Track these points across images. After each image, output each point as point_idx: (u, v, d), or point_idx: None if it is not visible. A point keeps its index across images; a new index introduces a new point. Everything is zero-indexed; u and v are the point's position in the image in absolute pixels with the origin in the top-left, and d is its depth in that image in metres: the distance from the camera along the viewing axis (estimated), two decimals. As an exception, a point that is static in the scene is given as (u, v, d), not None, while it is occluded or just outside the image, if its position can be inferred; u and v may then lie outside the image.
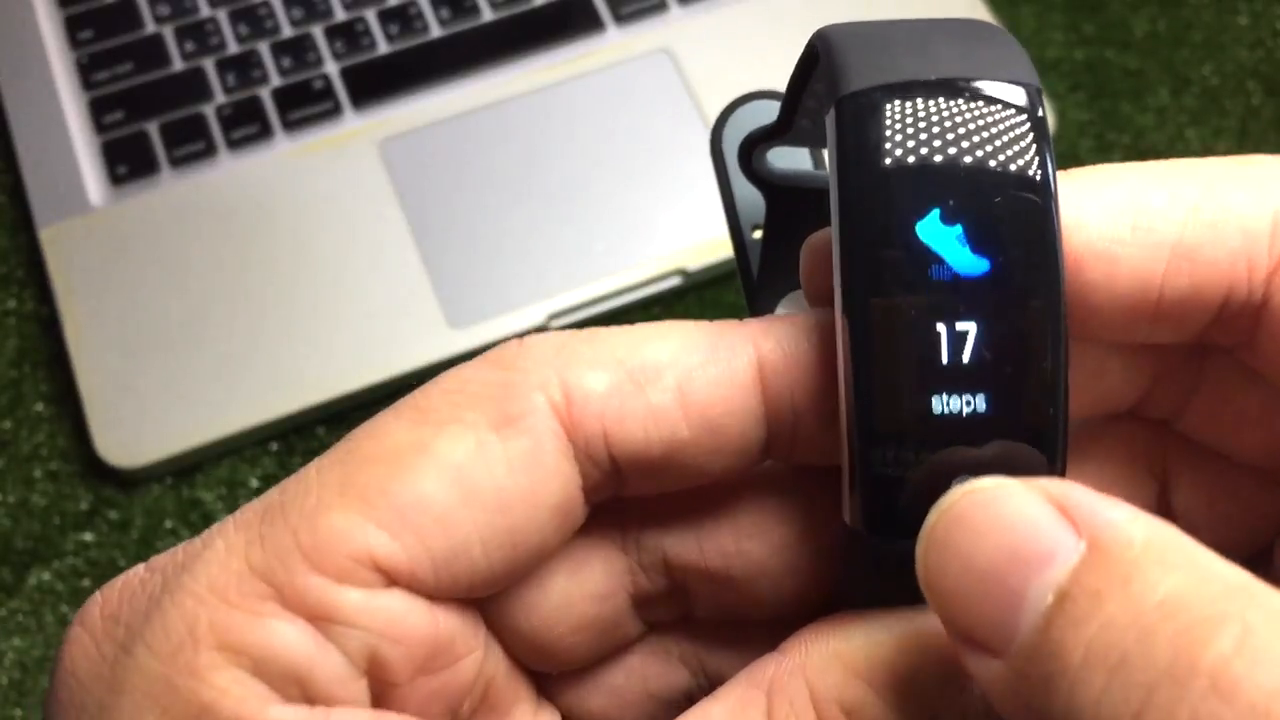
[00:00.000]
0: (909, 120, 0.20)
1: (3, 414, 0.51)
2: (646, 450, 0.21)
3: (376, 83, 0.56)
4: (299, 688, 0.19)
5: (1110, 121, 0.57)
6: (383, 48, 0.57)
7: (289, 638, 0.19)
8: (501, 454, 0.20)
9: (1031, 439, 0.20)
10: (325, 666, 0.19)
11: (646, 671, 0.24)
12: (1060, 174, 0.21)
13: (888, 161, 0.20)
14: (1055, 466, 0.20)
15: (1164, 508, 0.24)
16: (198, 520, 0.49)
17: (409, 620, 0.20)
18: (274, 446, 0.51)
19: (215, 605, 0.19)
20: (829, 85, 0.20)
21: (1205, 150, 0.56)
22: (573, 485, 0.21)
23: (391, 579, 0.20)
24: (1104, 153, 0.56)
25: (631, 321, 0.56)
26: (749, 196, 0.27)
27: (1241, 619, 0.15)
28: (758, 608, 0.23)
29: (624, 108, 0.55)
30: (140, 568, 0.21)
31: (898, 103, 0.20)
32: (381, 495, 0.19)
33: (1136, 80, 0.58)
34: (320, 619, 0.19)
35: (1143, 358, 0.23)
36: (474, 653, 0.21)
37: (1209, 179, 0.21)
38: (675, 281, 0.52)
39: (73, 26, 0.57)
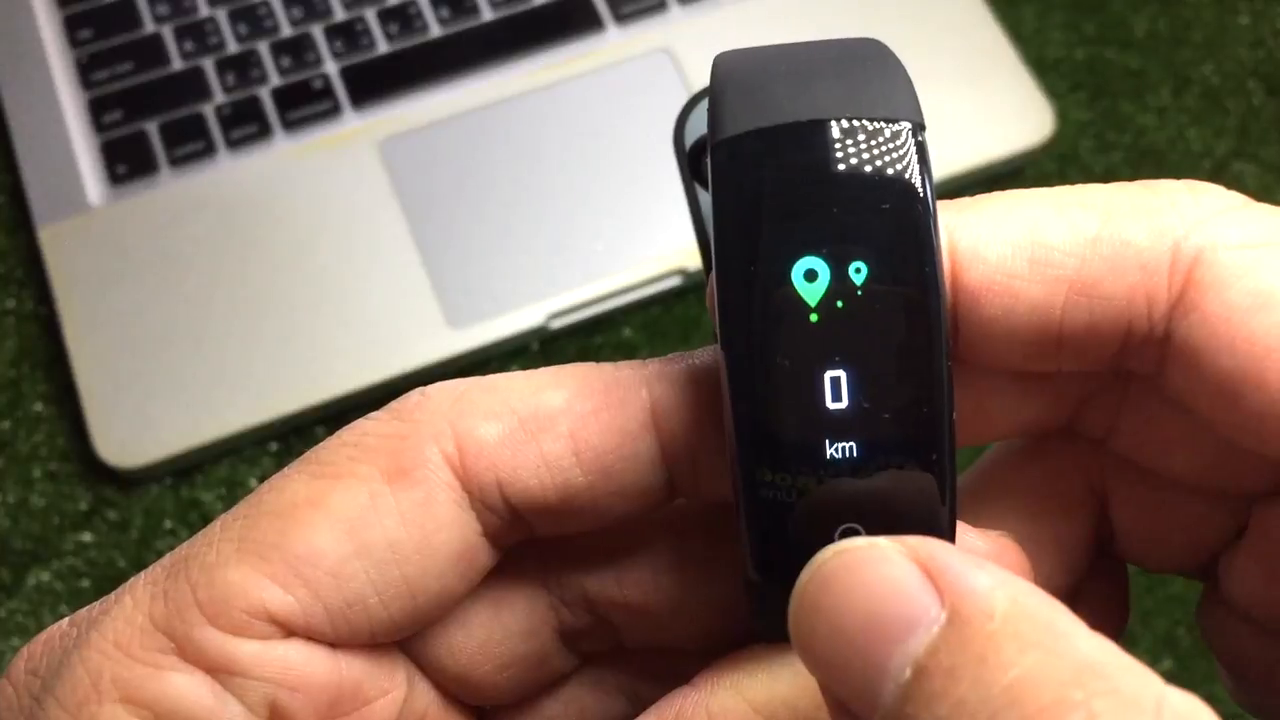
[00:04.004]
0: (783, 165, 0.20)
1: (2, 414, 0.51)
2: (543, 497, 0.21)
3: (376, 82, 0.56)
4: None
5: (1111, 121, 0.57)
6: (382, 47, 0.57)
7: (188, 689, 0.20)
8: (394, 506, 0.21)
9: (919, 471, 0.20)
10: (224, 716, 0.20)
11: (584, 702, 0.24)
12: (961, 203, 0.21)
13: (761, 208, 0.20)
14: (944, 496, 0.20)
15: (1104, 524, 0.24)
16: (197, 520, 0.49)
17: (308, 668, 0.21)
18: (273, 447, 0.51)
19: (118, 659, 0.20)
20: (709, 128, 0.20)
21: (1206, 150, 0.56)
22: (471, 533, 0.21)
23: (289, 630, 0.20)
24: (1105, 152, 0.56)
25: (630, 322, 0.56)
26: None
27: (1088, 707, 0.15)
28: (683, 639, 0.23)
29: (624, 108, 0.55)
30: (64, 621, 0.21)
31: (772, 147, 0.20)
32: (275, 549, 0.20)
33: (1137, 80, 0.58)
34: (218, 670, 0.20)
35: (1064, 381, 0.23)
36: (389, 694, 0.22)
37: (1109, 210, 0.21)
38: (675, 281, 0.52)
39: (72, 26, 0.57)
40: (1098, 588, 0.24)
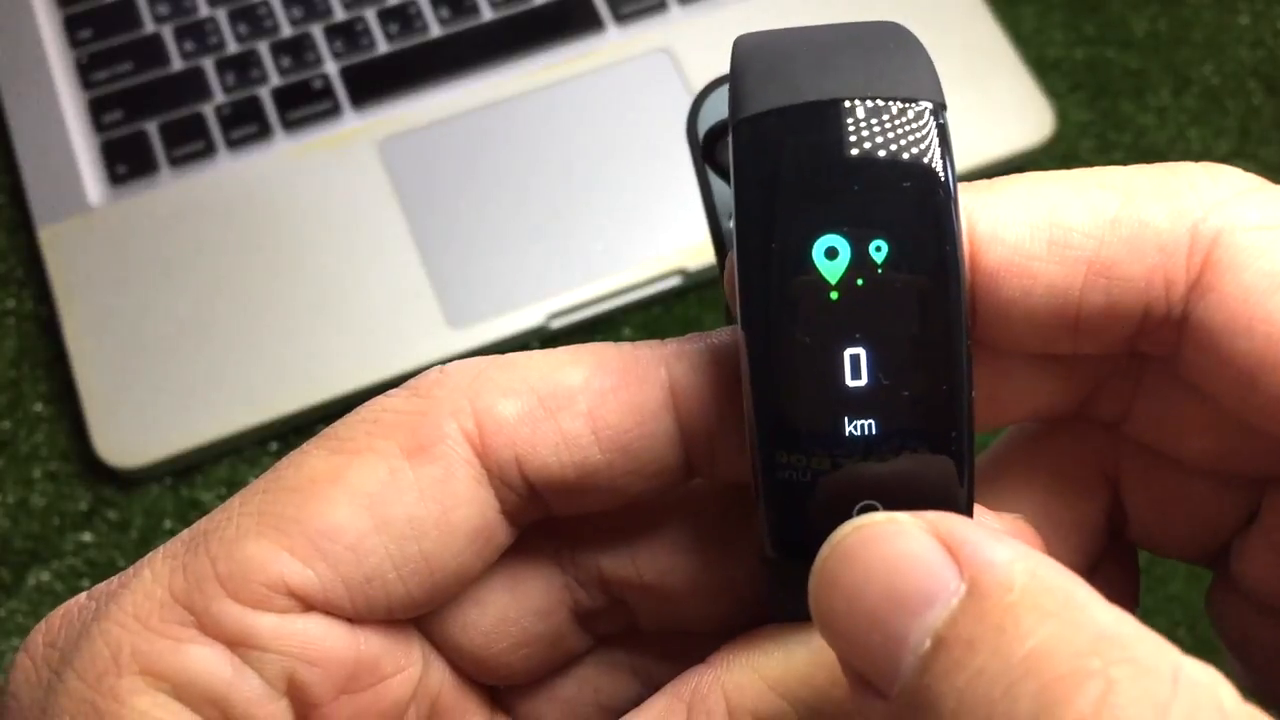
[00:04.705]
0: (804, 144, 0.20)
1: (2, 414, 0.51)
2: (561, 474, 0.21)
3: (376, 82, 0.56)
4: (218, 710, 0.20)
5: (1111, 121, 0.57)
6: (382, 47, 0.57)
7: (207, 662, 0.20)
8: (413, 481, 0.21)
9: (938, 451, 0.20)
10: (243, 689, 0.20)
11: (598, 683, 0.24)
12: (979, 185, 0.21)
13: (782, 187, 0.20)
14: (963, 477, 0.20)
15: (1116, 509, 0.24)
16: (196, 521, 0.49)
17: (327, 643, 0.21)
18: (274, 446, 0.51)
19: (138, 632, 0.20)
20: (730, 107, 0.20)
21: (1206, 150, 0.56)
22: (489, 510, 0.21)
23: (308, 604, 0.20)
24: (1105, 153, 0.56)
25: (630, 322, 0.56)
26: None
27: (1105, 675, 0.15)
28: (698, 620, 0.23)
29: (624, 108, 0.55)
30: (82, 595, 0.21)
31: (793, 126, 0.20)
32: (295, 524, 0.20)
33: (1137, 80, 0.58)
34: (237, 644, 0.20)
35: (1080, 364, 0.23)
36: (405, 670, 0.22)
37: (1128, 191, 0.21)
38: (675, 281, 0.52)
39: (72, 26, 0.57)
40: (1109, 572, 0.24)
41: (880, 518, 0.18)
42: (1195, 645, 0.48)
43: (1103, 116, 0.57)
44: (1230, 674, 0.25)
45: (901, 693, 0.17)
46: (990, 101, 0.55)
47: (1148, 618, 0.53)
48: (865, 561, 0.18)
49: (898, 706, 0.17)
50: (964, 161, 0.54)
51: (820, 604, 0.18)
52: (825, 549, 0.18)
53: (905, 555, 0.17)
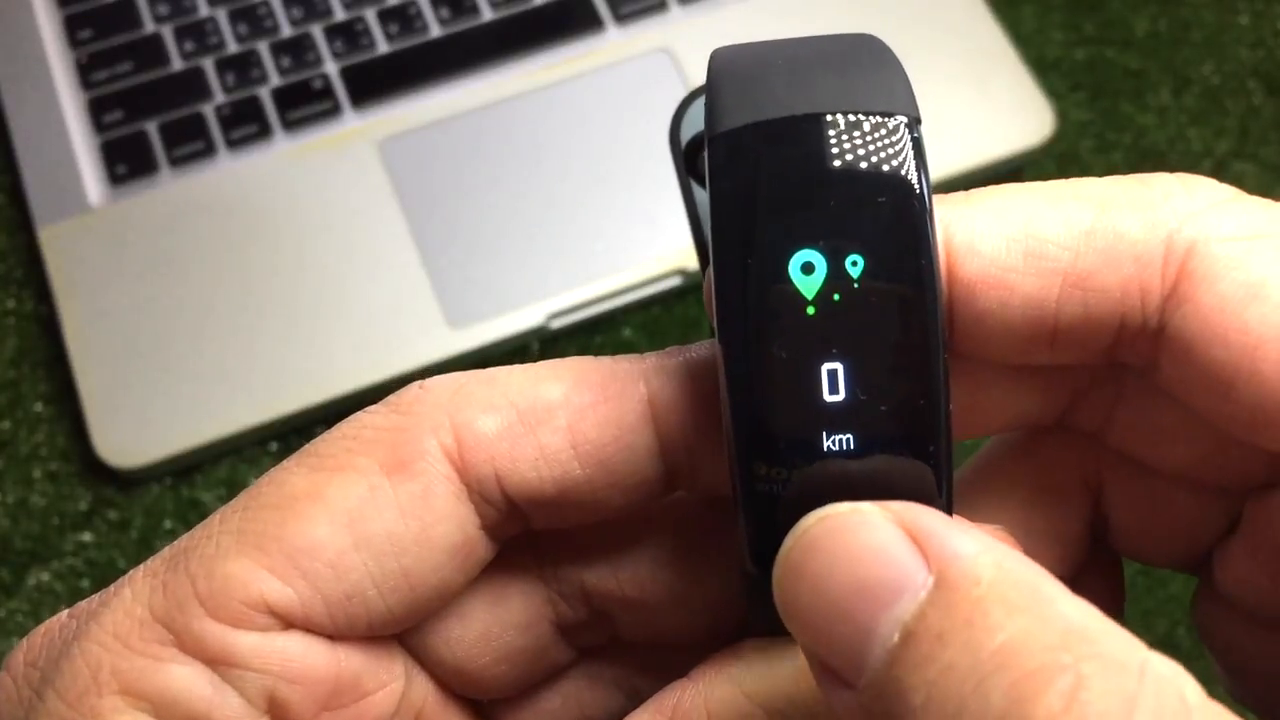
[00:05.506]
0: (780, 158, 0.20)
1: (2, 414, 0.51)
2: (540, 489, 0.21)
3: (376, 82, 0.56)
4: None
5: (1111, 121, 0.57)
6: (382, 47, 0.57)
7: (187, 681, 0.20)
8: (393, 498, 0.21)
9: (916, 462, 0.20)
10: (223, 708, 0.20)
11: (581, 696, 0.24)
12: (956, 197, 0.21)
13: (759, 202, 0.20)
14: (941, 488, 0.20)
15: (1098, 518, 0.24)
16: (196, 520, 0.49)
17: (307, 660, 0.21)
18: (274, 446, 0.51)
19: (118, 651, 0.20)
20: (705, 122, 0.20)
21: (1206, 150, 0.56)
22: (469, 525, 0.21)
23: (288, 622, 0.20)
24: (1105, 152, 0.56)
25: (630, 322, 0.56)
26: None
27: (1076, 670, 0.15)
28: (681, 633, 0.23)
29: (624, 108, 0.55)
30: (64, 614, 0.21)
31: (769, 141, 0.20)
32: (275, 542, 0.20)
33: (1137, 80, 0.58)
34: (217, 662, 0.20)
35: (1059, 374, 0.23)
36: (388, 686, 0.22)
37: (1103, 202, 0.21)
38: (675, 281, 0.52)
39: (72, 26, 0.57)
40: (1093, 581, 0.25)
41: (845, 508, 0.18)
42: (1195, 645, 0.48)
43: (1103, 116, 0.57)
44: (1218, 679, 0.25)
45: (869, 684, 0.17)
46: (990, 101, 0.55)
47: (1148, 618, 0.53)
48: (830, 552, 0.18)
49: (866, 698, 0.17)
50: (964, 162, 0.54)
51: (785, 594, 0.18)
52: (790, 539, 0.18)
53: (871, 546, 0.17)
